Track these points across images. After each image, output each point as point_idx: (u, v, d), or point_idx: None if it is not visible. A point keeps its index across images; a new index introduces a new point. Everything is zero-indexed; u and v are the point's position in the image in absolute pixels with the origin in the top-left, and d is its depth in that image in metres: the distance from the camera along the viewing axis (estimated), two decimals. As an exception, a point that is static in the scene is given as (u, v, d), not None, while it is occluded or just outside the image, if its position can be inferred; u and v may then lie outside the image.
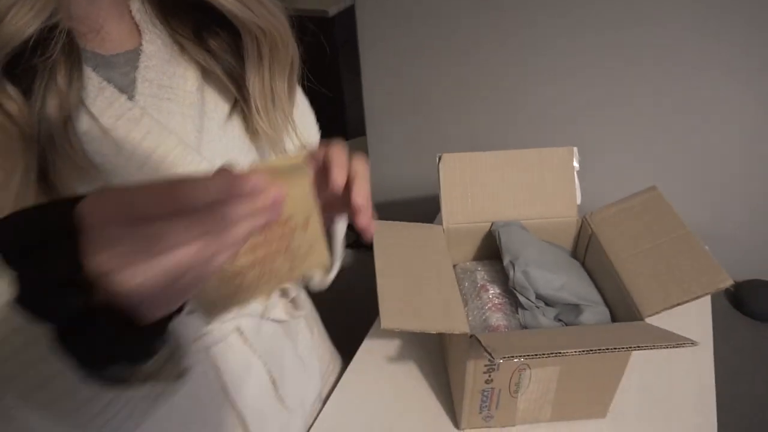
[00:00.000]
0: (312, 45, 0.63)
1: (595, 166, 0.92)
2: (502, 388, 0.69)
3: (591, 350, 0.54)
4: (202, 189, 0.26)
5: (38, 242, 0.28)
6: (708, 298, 0.93)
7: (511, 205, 0.82)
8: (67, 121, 0.42)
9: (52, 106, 0.41)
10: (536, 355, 0.54)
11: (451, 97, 1.07)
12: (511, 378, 0.68)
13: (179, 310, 0.31)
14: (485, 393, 0.70)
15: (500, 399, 0.71)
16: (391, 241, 0.75)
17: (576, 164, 0.80)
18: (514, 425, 0.75)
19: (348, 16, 1.16)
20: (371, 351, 0.86)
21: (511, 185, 0.82)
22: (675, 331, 0.63)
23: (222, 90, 0.54)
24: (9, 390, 0.31)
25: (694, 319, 0.88)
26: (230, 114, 0.54)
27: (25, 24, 0.38)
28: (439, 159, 0.80)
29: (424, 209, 0.87)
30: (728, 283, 0.60)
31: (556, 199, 0.82)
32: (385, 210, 0.80)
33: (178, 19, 0.52)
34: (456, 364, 0.71)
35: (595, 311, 0.70)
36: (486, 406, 0.71)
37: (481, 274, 0.79)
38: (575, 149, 0.80)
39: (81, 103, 0.44)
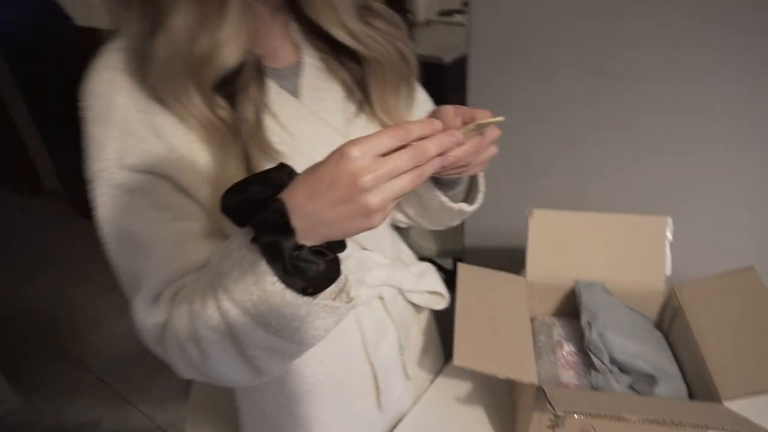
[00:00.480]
0: (425, 86, 0.77)
1: (691, 234, 0.90)
2: (567, 445, 0.70)
3: (655, 420, 0.55)
4: (416, 127, 0.44)
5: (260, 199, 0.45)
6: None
7: (597, 266, 0.83)
8: (258, 120, 0.58)
9: (248, 111, 0.57)
10: (596, 414, 0.56)
11: (549, 153, 1.10)
12: (575, 436, 0.69)
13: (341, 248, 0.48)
14: (549, 447, 0.71)
15: (564, 455, 0.72)
16: (475, 285, 0.79)
17: (669, 235, 0.80)
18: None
19: (460, 64, 1.25)
20: (442, 388, 0.89)
21: (600, 246, 0.83)
22: (755, 421, 0.62)
23: (352, 93, 0.68)
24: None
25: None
26: (358, 111, 0.68)
27: (233, 57, 0.54)
28: (530, 213, 0.84)
29: (512, 259, 0.90)
30: (818, 377, 0.58)
31: (645, 267, 0.82)
32: (474, 255, 0.85)
33: (321, 41, 0.66)
34: (522, 413, 0.73)
35: (670, 385, 0.69)
36: (548, 460, 0.73)
37: (558, 330, 0.81)
38: (670, 219, 0.80)
39: (266, 106, 0.60)
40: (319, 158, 0.49)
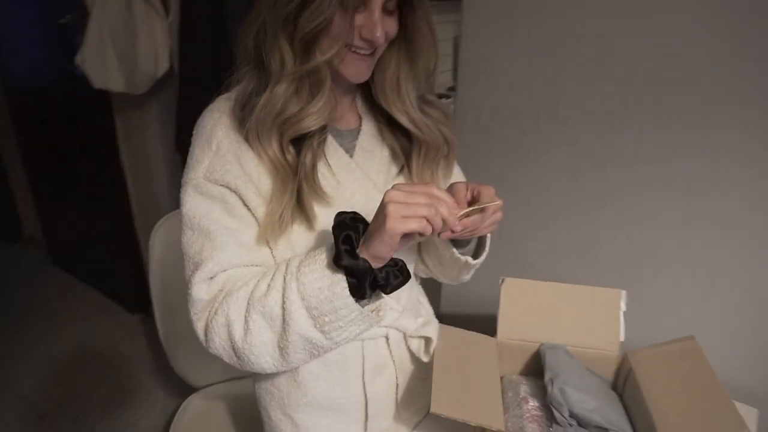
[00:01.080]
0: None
1: (643, 305, 1.01)
2: (529, 494, 0.77)
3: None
4: (435, 192, 0.63)
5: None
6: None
7: (560, 331, 0.93)
8: (314, 167, 0.74)
9: (308, 158, 0.73)
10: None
11: (523, 229, 1.23)
12: (538, 485, 0.76)
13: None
14: (513, 495, 0.77)
15: (527, 505, 0.78)
16: (452, 344, 0.88)
17: (623, 306, 0.91)
18: None
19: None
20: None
21: (564, 314, 0.93)
22: None
23: (396, 158, 0.84)
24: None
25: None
26: (398, 174, 0.85)
27: (314, 125, 0.72)
28: (502, 282, 0.94)
29: (484, 322, 1.00)
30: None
31: (602, 333, 0.92)
32: (450, 320, 0.94)
33: (378, 112, 0.84)
34: (490, 462, 0.80)
35: (622, 438, 0.77)
36: None
37: (525, 388, 0.89)
38: (623, 293, 0.92)
39: (323, 156, 0.76)
40: (356, 203, 0.73)
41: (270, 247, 0.76)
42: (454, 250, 0.82)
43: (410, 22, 0.74)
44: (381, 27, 0.69)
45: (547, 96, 1.14)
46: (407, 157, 0.84)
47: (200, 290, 0.71)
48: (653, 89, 1.03)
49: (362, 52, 0.72)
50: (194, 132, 0.77)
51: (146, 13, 1.64)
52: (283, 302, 0.67)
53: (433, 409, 0.74)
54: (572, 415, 0.80)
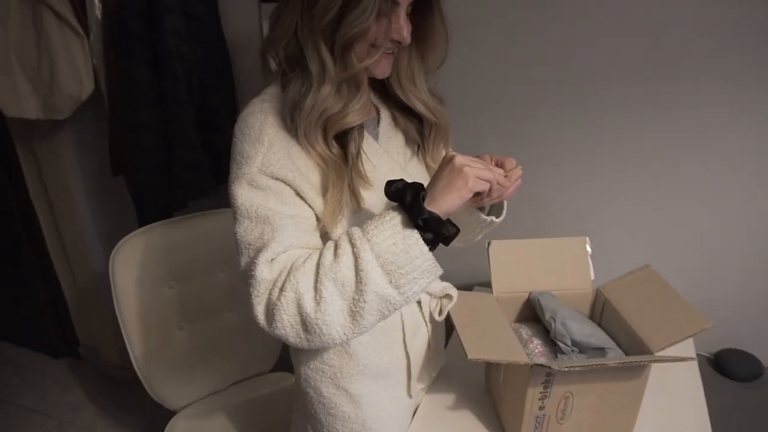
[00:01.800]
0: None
1: (604, 247, 1.22)
2: (551, 415, 0.91)
3: (625, 361, 0.78)
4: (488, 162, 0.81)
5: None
6: (696, 365, 1.18)
7: (542, 279, 1.08)
8: (359, 157, 0.84)
9: (353, 149, 0.83)
10: (585, 366, 0.78)
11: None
12: (558, 405, 0.90)
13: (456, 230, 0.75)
14: (538, 419, 0.91)
15: (548, 426, 0.92)
16: (461, 303, 0.99)
17: (589, 249, 1.08)
18: (559, 451, 0.95)
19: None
20: (432, 402, 1.06)
21: (542, 264, 1.08)
22: (671, 386, 0.97)
23: (410, 141, 0.95)
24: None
25: (688, 379, 1.12)
26: (412, 155, 0.96)
27: (355, 121, 0.81)
28: (489, 244, 1.07)
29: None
30: (709, 324, 0.86)
31: (576, 276, 1.09)
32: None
33: (390, 102, 0.94)
34: (514, 395, 0.92)
35: (616, 352, 0.94)
36: (538, 431, 0.92)
37: (525, 331, 1.03)
38: (587, 239, 1.09)
39: (361, 146, 0.85)
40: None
41: (326, 232, 0.83)
42: (480, 213, 0.94)
43: (428, 21, 0.84)
44: (408, 28, 0.79)
45: (515, 63, 1.33)
46: (422, 139, 0.95)
47: (263, 271, 0.74)
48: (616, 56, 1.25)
49: (389, 51, 0.81)
50: (238, 132, 0.81)
51: (62, 34, 1.56)
52: (357, 264, 0.72)
53: (471, 356, 0.84)
54: (574, 343, 0.95)
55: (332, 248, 0.75)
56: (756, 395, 1.25)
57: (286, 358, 1.09)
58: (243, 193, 0.78)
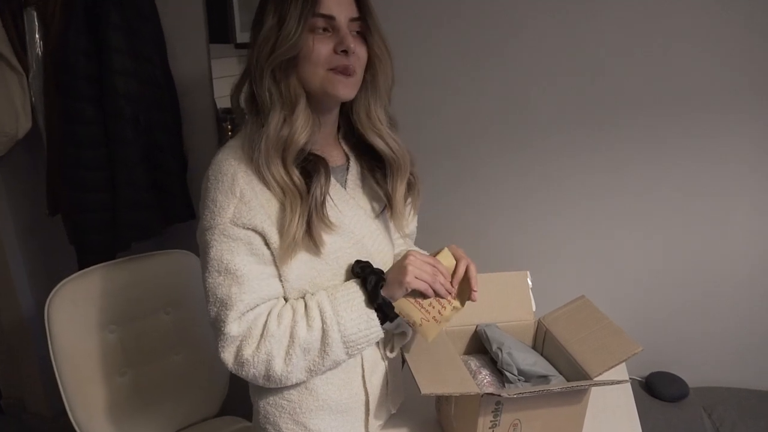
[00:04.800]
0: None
1: (544, 281, 1.30)
2: (501, 443, 0.95)
3: (567, 387, 0.84)
4: (439, 266, 0.89)
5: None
6: (630, 388, 1.26)
7: (488, 312, 1.14)
8: (324, 201, 0.85)
9: (317, 191, 0.84)
10: (532, 391, 0.83)
11: (455, 226, 1.51)
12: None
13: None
14: (489, 447, 0.94)
15: (499, 453, 0.96)
16: (413, 340, 1.02)
17: (530, 282, 1.16)
18: (509, 478, 0.98)
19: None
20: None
21: (487, 298, 1.14)
22: (609, 408, 1.07)
23: (378, 188, 0.97)
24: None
25: (623, 402, 1.19)
26: (380, 200, 0.98)
27: (303, 138, 0.83)
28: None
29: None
30: (640, 348, 0.94)
31: (519, 308, 1.15)
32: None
33: (359, 151, 0.97)
34: (466, 425, 0.95)
35: (558, 379, 1.00)
36: (489, 460, 0.95)
37: (474, 362, 1.08)
38: (528, 272, 1.16)
39: (328, 191, 0.86)
40: (354, 228, 0.88)
41: (281, 278, 0.86)
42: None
43: (369, 45, 0.87)
44: (351, 39, 0.82)
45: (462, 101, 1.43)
46: (382, 187, 0.96)
47: (232, 328, 0.82)
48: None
49: (344, 62, 0.82)
50: (212, 178, 0.83)
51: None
52: (324, 339, 0.84)
53: (424, 391, 0.87)
54: (520, 372, 1.00)
55: (304, 319, 0.84)
56: (683, 414, 1.35)
57: (233, 401, 1.08)
58: (215, 245, 0.82)
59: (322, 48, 0.81)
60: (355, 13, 0.83)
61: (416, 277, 0.85)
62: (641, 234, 1.43)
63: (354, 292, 0.85)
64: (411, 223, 1.10)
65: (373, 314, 0.85)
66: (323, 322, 0.83)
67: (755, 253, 1.38)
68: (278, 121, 0.82)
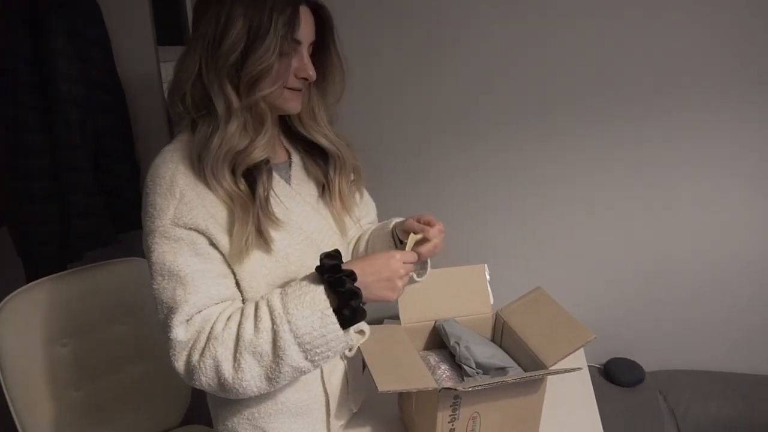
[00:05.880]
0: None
1: (502, 274, 1.32)
2: (461, 436, 0.95)
3: (523, 377, 0.85)
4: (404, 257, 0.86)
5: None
6: (588, 375, 1.29)
7: (446, 307, 1.14)
8: (268, 198, 0.84)
9: (261, 190, 0.83)
10: (488, 384, 0.84)
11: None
12: (467, 426, 0.95)
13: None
14: (449, 441, 0.95)
15: (460, 447, 0.96)
16: (371, 338, 1.02)
17: (487, 276, 1.17)
18: (470, 471, 0.99)
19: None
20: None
21: (446, 293, 1.15)
22: (567, 396, 1.08)
23: (319, 182, 0.99)
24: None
25: (581, 387, 1.22)
26: (321, 193, 0.99)
27: (261, 155, 0.83)
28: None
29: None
30: (593, 336, 0.95)
31: (477, 301, 1.16)
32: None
33: (299, 145, 0.98)
34: (426, 420, 0.96)
35: (516, 371, 1.01)
36: (450, 454, 0.96)
37: (433, 357, 1.08)
38: (486, 266, 1.17)
39: (271, 188, 0.86)
40: (302, 224, 0.88)
41: (236, 277, 0.83)
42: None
43: (326, 59, 0.90)
44: (310, 66, 0.84)
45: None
46: (326, 179, 0.98)
47: (179, 333, 0.78)
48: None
49: (297, 89, 0.86)
50: (150, 183, 0.81)
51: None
52: (275, 341, 0.77)
53: (381, 388, 0.87)
54: (478, 365, 1.01)
55: (252, 318, 0.79)
56: (640, 398, 1.39)
57: (197, 409, 1.06)
58: (157, 248, 0.79)
59: (283, 69, 0.82)
60: (313, 37, 0.86)
61: (402, 288, 0.84)
62: (595, 224, 1.46)
63: (307, 286, 0.79)
64: (367, 211, 1.11)
65: (328, 311, 0.77)
66: (272, 321, 0.77)
67: (706, 239, 1.43)
68: (238, 130, 0.80)
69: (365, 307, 0.81)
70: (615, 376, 1.43)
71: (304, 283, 0.80)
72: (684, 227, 1.43)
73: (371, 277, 0.81)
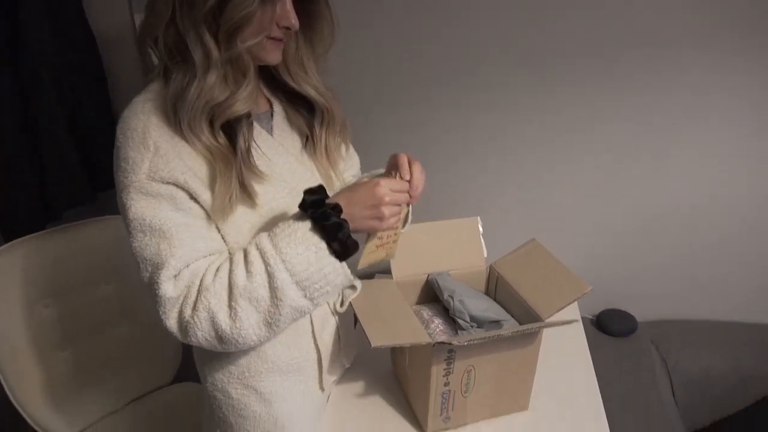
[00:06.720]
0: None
1: (495, 226, 1.29)
2: (456, 390, 0.94)
3: (519, 330, 0.83)
4: (404, 185, 0.82)
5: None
6: (581, 327, 1.28)
7: (439, 261, 1.12)
8: (249, 150, 0.80)
9: (241, 142, 0.79)
10: (484, 338, 0.82)
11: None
12: (461, 380, 0.93)
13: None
14: (444, 395, 0.94)
15: (455, 400, 0.95)
16: (363, 293, 1.00)
17: (480, 228, 1.14)
18: (466, 424, 0.99)
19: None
20: (343, 392, 1.07)
21: (438, 246, 1.12)
22: (561, 347, 1.08)
23: (302, 133, 0.95)
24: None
25: (574, 338, 1.21)
26: (305, 146, 0.94)
27: (243, 109, 0.78)
28: (386, 231, 1.09)
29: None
30: (589, 288, 0.93)
31: (470, 254, 1.13)
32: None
33: (281, 94, 0.93)
34: (420, 375, 0.95)
35: (511, 324, 1.00)
36: (444, 407, 0.95)
37: (426, 312, 1.06)
38: (479, 218, 1.14)
39: (252, 139, 0.82)
40: (286, 176, 0.83)
41: (220, 232, 0.79)
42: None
43: (314, 7, 0.84)
44: (293, 15, 0.78)
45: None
46: (311, 132, 0.93)
47: (168, 289, 0.74)
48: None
49: (279, 38, 0.80)
50: (121, 136, 0.75)
51: None
52: (271, 283, 0.74)
53: (374, 344, 0.85)
54: (472, 318, 0.99)
55: (243, 264, 0.75)
56: (632, 348, 1.40)
57: (189, 366, 1.04)
58: (133, 204, 0.74)
59: (266, 18, 0.76)
60: None
61: (393, 215, 0.79)
62: (589, 174, 1.43)
63: (294, 223, 0.76)
64: (351, 164, 1.06)
65: (322, 244, 0.75)
66: (265, 263, 0.74)
67: (698, 190, 1.41)
68: (217, 82, 0.74)
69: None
70: (607, 327, 1.43)
71: (291, 221, 0.77)
72: (678, 181, 1.40)
73: (356, 207, 0.77)
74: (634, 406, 1.25)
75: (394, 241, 0.92)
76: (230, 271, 0.75)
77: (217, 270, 0.76)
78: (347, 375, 1.09)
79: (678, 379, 1.34)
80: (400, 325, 0.94)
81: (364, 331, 0.88)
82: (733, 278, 1.47)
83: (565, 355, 1.16)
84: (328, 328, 0.96)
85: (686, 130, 1.35)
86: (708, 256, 1.47)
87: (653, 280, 1.52)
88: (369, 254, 0.88)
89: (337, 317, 0.98)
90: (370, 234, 0.85)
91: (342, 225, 0.75)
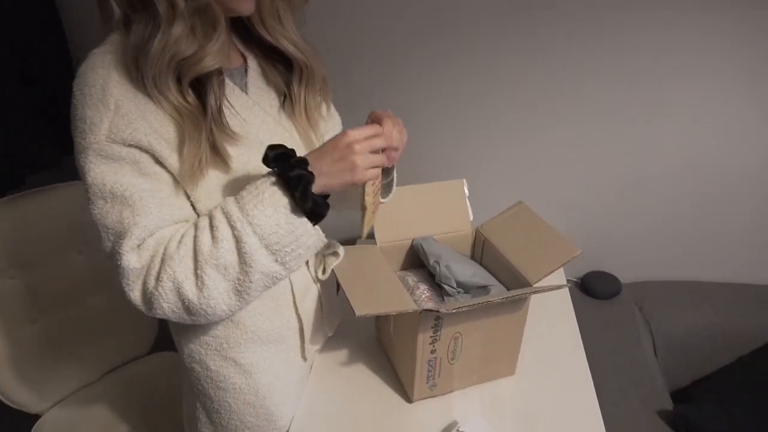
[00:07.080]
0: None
1: (481, 189, 1.26)
2: (443, 357, 0.92)
3: (507, 297, 0.80)
4: (379, 129, 0.74)
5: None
6: (567, 290, 1.26)
7: (424, 225, 1.08)
8: (221, 109, 0.74)
9: (212, 100, 0.72)
10: (473, 304, 0.79)
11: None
12: (448, 346, 0.91)
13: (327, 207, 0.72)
14: (431, 362, 0.91)
15: (441, 367, 0.93)
16: (345, 258, 0.96)
17: (466, 191, 1.09)
18: (452, 390, 0.97)
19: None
20: (326, 360, 1.04)
21: (422, 210, 1.08)
22: (546, 310, 1.05)
23: (280, 92, 0.88)
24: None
25: (560, 301, 1.20)
26: (282, 105, 0.88)
27: (213, 65, 0.71)
28: (369, 195, 1.04)
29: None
30: (578, 252, 0.90)
31: (455, 218, 1.10)
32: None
33: (256, 49, 0.86)
34: (406, 342, 0.92)
35: (498, 289, 0.97)
36: (431, 375, 0.93)
37: (411, 278, 1.03)
38: (464, 180, 1.10)
39: (224, 97, 0.76)
40: (263, 137, 0.76)
41: (190, 198, 0.74)
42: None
43: None
44: None
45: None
46: (288, 90, 0.87)
47: (131, 260, 0.69)
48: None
49: None
50: (78, 93, 0.67)
51: None
52: (239, 248, 0.69)
53: (359, 312, 0.81)
54: (459, 284, 0.96)
55: (208, 230, 0.70)
56: (616, 309, 1.39)
57: (167, 336, 1.00)
58: (92, 168, 0.67)
59: None
60: None
61: (369, 167, 0.71)
62: (574, 136, 1.40)
63: (260, 185, 0.70)
64: (333, 125, 0.99)
65: (288, 200, 0.69)
66: (232, 227, 0.69)
67: (683, 153, 1.39)
68: (183, 34, 0.67)
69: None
70: (592, 290, 1.43)
71: (258, 182, 0.71)
72: (665, 142, 1.37)
73: (324, 161, 0.71)
74: (618, 367, 1.26)
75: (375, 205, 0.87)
76: (195, 237, 0.70)
77: (182, 237, 0.71)
78: (330, 343, 1.07)
79: (660, 339, 1.35)
80: (385, 292, 0.90)
81: (347, 299, 0.85)
82: (717, 239, 1.47)
83: (550, 318, 1.14)
84: (309, 297, 0.92)
85: (674, 93, 1.31)
86: (691, 218, 1.46)
87: (638, 242, 1.51)
88: (369, 220, 0.84)
89: (319, 285, 0.94)
90: (364, 198, 0.80)
91: (306, 177, 0.69)
